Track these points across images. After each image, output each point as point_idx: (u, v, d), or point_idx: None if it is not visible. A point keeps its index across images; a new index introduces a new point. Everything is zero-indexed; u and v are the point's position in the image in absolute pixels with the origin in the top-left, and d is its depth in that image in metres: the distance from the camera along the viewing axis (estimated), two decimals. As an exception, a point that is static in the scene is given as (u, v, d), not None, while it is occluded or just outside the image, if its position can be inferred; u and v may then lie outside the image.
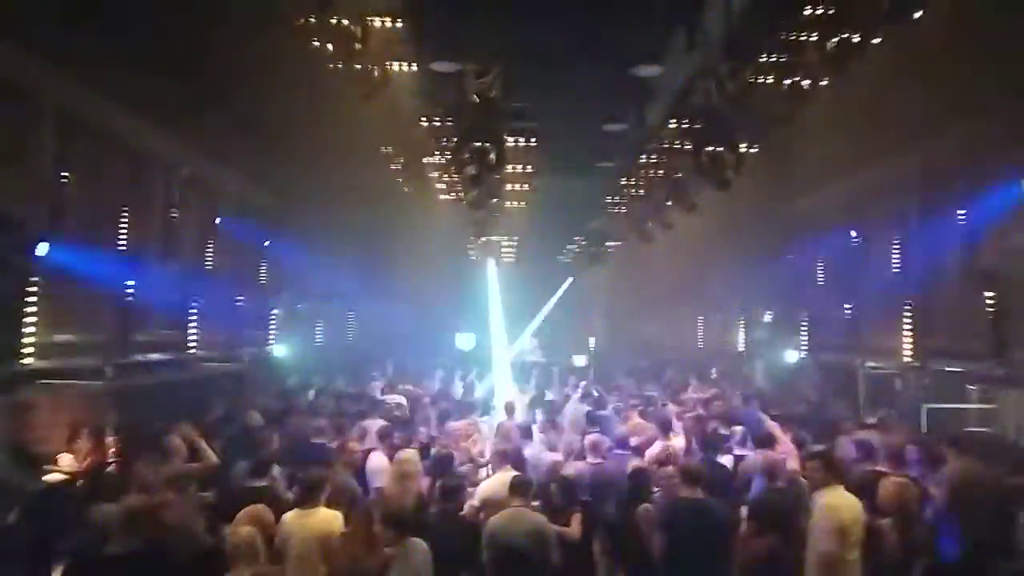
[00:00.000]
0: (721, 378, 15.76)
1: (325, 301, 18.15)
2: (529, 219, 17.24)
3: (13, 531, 5.81)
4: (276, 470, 7.21)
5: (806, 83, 9.15)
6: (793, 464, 7.20)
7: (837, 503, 5.44)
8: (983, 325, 9.87)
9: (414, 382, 14.28)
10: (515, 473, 6.73)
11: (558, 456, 8.06)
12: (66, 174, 8.78)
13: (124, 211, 10.13)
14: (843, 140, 10.72)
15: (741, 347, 18.76)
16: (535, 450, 8.42)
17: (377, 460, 7.83)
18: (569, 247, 22.74)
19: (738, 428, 8.84)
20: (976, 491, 6.25)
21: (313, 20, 7.86)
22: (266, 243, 15.05)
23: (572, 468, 7.54)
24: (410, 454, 7.47)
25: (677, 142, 11.64)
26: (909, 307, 11.61)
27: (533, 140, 12.01)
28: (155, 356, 10.65)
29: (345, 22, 7.89)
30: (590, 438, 8.09)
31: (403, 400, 11.66)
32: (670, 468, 6.85)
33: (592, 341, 24.21)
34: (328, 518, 5.65)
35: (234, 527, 5.11)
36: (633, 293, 22.57)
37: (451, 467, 7.42)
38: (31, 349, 7.79)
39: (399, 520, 5.47)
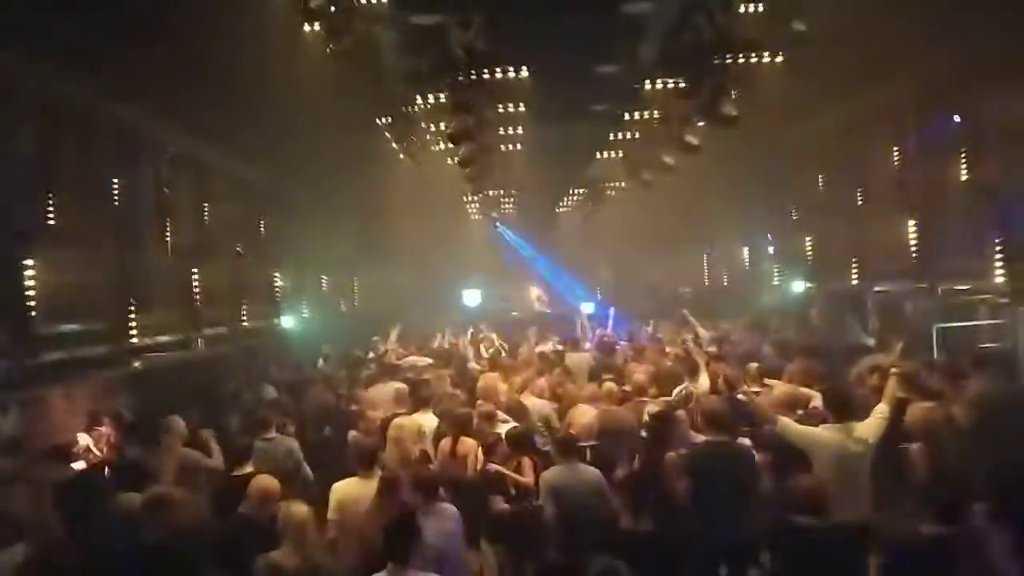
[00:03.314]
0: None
1: (328, 270, 18.10)
2: (525, 170, 16.99)
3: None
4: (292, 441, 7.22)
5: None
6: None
7: None
8: (987, 241, 9.77)
9: (421, 343, 14.21)
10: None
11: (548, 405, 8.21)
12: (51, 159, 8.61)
13: (115, 194, 9.97)
14: (838, 65, 10.51)
15: (747, 280, 18.73)
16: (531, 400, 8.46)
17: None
18: (568, 195, 22.50)
19: (753, 365, 8.69)
20: (1003, 409, 6.06)
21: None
22: (263, 216, 14.95)
23: (584, 415, 7.53)
24: (404, 420, 7.44)
25: (672, 81, 11.36)
26: (914, 227, 11.51)
27: (523, 89, 11.75)
28: (163, 338, 10.55)
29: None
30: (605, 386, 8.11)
31: (427, 361, 11.54)
32: (680, 412, 6.78)
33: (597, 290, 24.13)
34: None
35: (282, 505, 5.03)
36: (635, 236, 22.37)
37: (470, 428, 7.27)
38: (38, 342, 7.68)
39: (428, 485, 5.43)
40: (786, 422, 5.64)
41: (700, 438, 6.31)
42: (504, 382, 9.13)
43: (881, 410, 5.65)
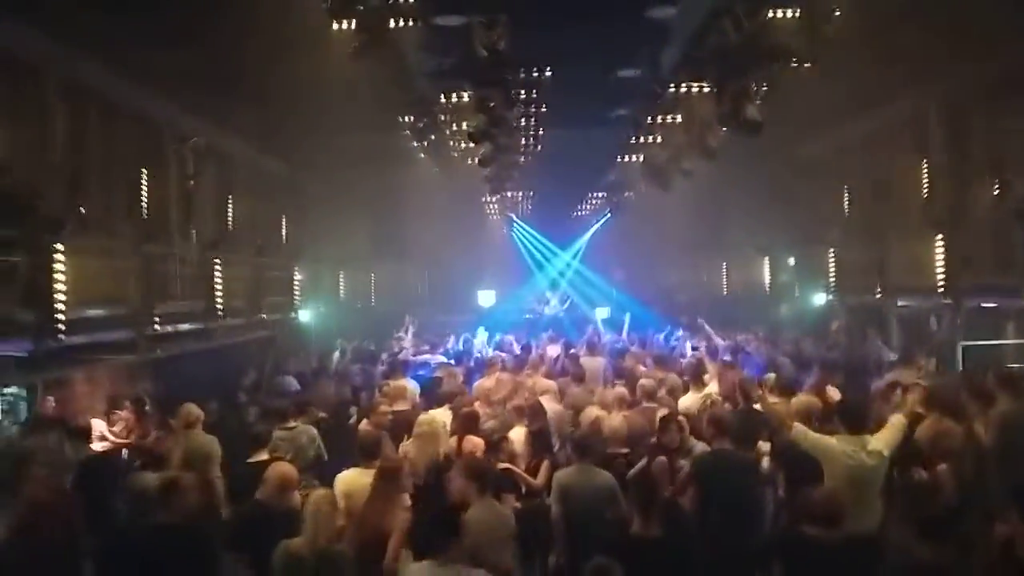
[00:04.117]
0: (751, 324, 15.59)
1: (344, 264, 18.24)
2: (543, 172, 17.03)
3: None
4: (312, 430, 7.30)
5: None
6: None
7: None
8: (1017, 258, 9.59)
9: (434, 342, 14.28)
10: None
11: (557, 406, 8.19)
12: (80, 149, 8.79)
13: (142, 184, 10.14)
14: (864, 76, 10.45)
15: (766, 291, 18.60)
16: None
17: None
18: (586, 199, 22.46)
19: (771, 376, 8.54)
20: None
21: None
22: (284, 211, 15.14)
23: (612, 420, 7.50)
24: (431, 415, 7.49)
25: (695, 86, 11.36)
26: (940, 242, 11.27)
27: (544, 91, 11.80)
28: (183, 327, 10.68)
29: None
30: (617, 391, 8.11)
31: (439, 359, 11.59)
32: (682, 419, 6.78)
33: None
34: None
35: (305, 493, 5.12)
36: (652, 241, 22.32)
37: (477, 426, 7.26)
38: (63, 326, 7.80)
39: (483, 476, 5.40)
40: (801, 430, 5.59)
41: (701, 445, 6.35)
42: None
43: (897, 421, 5.59)
